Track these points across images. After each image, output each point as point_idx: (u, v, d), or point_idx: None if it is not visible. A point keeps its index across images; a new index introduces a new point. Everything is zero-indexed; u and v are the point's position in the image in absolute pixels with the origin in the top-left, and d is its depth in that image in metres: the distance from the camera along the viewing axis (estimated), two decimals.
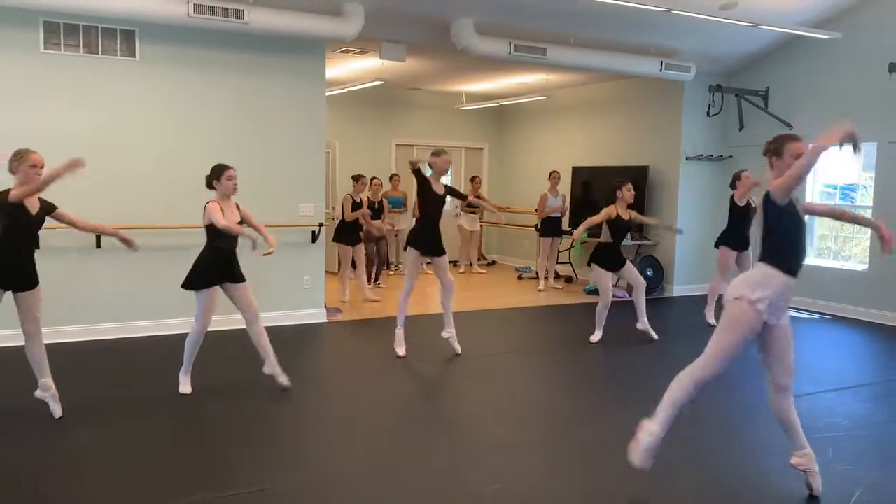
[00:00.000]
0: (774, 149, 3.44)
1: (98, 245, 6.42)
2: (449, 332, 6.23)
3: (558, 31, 7.71)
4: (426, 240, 6.01)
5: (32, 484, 3.58)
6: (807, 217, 3.54)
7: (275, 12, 6.44)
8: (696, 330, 7.44)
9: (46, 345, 4.46)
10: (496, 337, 7.24)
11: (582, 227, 6.68)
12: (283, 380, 5.09)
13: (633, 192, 6.70)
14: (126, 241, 4.69)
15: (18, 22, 6.01)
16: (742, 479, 3.78)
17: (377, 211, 9.38)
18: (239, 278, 4.98)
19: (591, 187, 10.62)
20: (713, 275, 7.91)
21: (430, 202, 6.01)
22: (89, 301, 6.46)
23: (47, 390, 4.45)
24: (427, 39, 7.75)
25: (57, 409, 4.44)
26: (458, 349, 6.25)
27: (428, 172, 6.02)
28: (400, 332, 6.20)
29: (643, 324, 6.91)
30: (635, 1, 6.50)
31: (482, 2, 6.99)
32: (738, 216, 7.39)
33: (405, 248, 6.19)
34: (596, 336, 6.86)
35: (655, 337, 6.87)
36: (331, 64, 8.60)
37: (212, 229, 4.85)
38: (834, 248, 8.89)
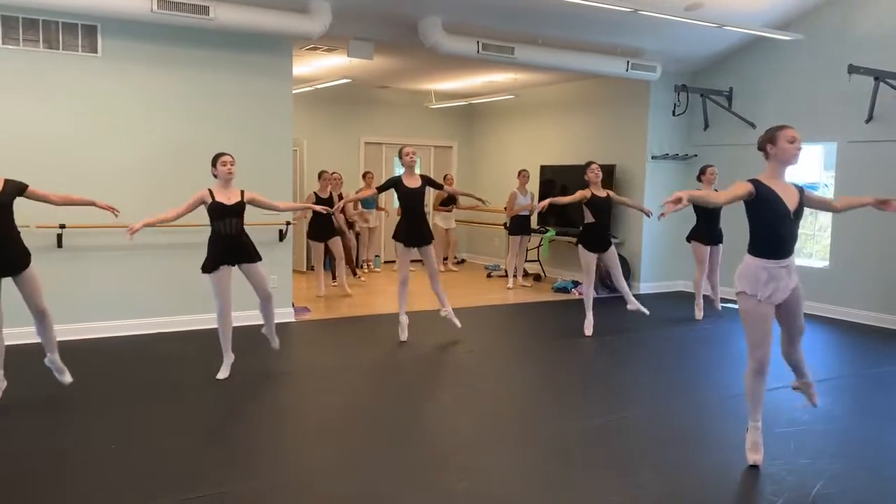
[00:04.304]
0: (769, 137, 3.62)
1: (59, 245, 6.30)
2: (446, 311, 6.75)
3: (526, 31, 7.74)
4: (406, 231, 6.42)
5: None
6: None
7: (240, 8, 6.37)
8: (662, 326, 7.54)
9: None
10: (465, 335, 7.24)
11: (548, 201, 6.85)
12: (275, 344, 5.61)
13: (598, 172, 6.90)
14: (107, 208, 4.91)
15: None
16: (704, 474, 3.83)
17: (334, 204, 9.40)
18: (248, 258, 5.22)
19: (558, 186, 10.68)
20: (695, 271, 8.04)
21: (404, 197, 6.43)
22: (51, 301, 6.31)
23: (52, 363, 4.79)
24: (395, 37, 7.73)
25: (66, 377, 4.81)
26: (458, 323, 6.78)
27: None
28: (403, 319, 6.55)
29: (633, 304, 7.11)
30: (602, 1, 6.55)
31: (450, 0, 6.99)
32: (702, 209, 7.56)
33: (393, 238, 6.58)
34: (588, 327, 6.95)
35: (647, 312, 7.10)
36: (298, 61, 8.54)
37: (209, 214, 5.13)
38: (795, 247, 9.03)
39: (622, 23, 7.65)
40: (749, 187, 3.57)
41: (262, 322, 5.60)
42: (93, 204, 4.88)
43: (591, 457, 4.04)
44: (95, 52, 6.37)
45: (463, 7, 7.12)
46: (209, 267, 5.12)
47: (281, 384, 5.42)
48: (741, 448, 3.92)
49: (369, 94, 11.96)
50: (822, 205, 4.05)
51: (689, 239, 7.91)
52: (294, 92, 7.53)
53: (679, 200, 3.41)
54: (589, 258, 6.92)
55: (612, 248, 7.05)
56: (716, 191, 7.25)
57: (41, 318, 4.61)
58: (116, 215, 4.96)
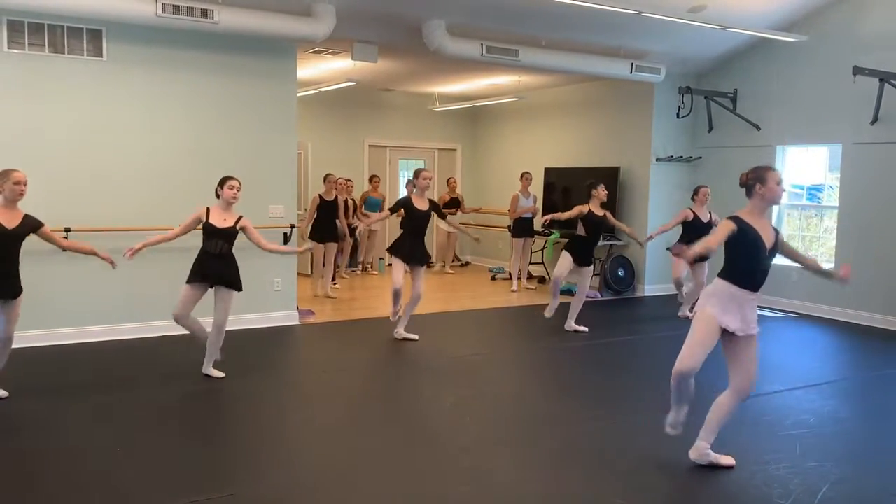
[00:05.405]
0: (758, 177, 3.69)
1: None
2: (400, 334, 6.69)
3: (530, 33, 7.75)
4: (405, 249, 6.47)
5: None
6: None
7: (245, 12, 6.38)
8: (666, 329, 7.52)
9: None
10: (470, 338, 7.24)
11: (550, 217, 7.20)
12: (215, 374, 5.36)
13: (606, 192, 7.08)
14: (106, 259, 4.95)
15: None
16: (710, 476, 3.82)
17: (347, 210, 9.46)
18: (225, 282, 5.20)
19: (562, 188, 10.68)
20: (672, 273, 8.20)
21: (412, 219, 6.48)
22: (55, 304, 6.33)
23: None
24: (399, 40, 7.74)
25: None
26: (416, 336, 6.69)
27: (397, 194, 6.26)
28: (395, 312, 6.65)
29: (570, 325, 7.27)
30: (606, 3, 6.55)
31: (454, 3, 6.99)
32: (692, 228, 7.48)
33: (389, 252, 6.62)
34: (550, 310, 7.28)
35: (585, 329, 7.26)
36: (302, 64, 8.55)
37: (202, 231, 5.20)
38: (801, 248, 9.03)
39: (626, 25, 7.64)
40: (732, 227, 3.66)
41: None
42: (94, 254, 4.94)
43: (596, 458, 4.03)
44: (101, 56, 6.38)
45: (467, 10, 7.13)
46: (189, 279, 5.18)
47: (285, 387, 5.42)
48: (746, 450, 3.92)
49: (373, 96, 11.97)
50: (793, 256, 4.02)
51: (669, 249, 7.76)
52: (298, 95, 7.54)
53: (684, 254, 3.63)
54: (567, 264, 7.05)
55: (590, 269, 7.26)
56: (709, 222, 7.59)
57: (7, 344, 4.67)
58: (114, 267, 4.99)
